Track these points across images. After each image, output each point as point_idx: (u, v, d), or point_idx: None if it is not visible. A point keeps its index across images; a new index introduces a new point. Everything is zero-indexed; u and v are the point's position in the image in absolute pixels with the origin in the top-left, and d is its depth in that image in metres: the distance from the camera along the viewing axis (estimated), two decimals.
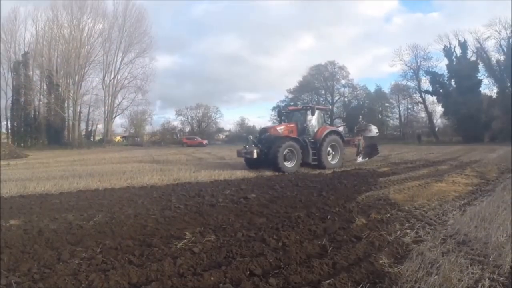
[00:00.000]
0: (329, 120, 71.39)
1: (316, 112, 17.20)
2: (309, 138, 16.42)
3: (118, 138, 70.81)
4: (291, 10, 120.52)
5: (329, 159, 16.62)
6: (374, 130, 19.39)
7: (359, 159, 18.56)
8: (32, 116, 55.07)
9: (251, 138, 16.65)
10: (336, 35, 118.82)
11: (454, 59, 57.78)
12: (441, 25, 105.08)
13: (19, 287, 3.63)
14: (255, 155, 15.24)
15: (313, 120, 17.15)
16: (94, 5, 56.14)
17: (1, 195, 9.34)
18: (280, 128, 16.34)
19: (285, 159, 14.97)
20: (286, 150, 15.05)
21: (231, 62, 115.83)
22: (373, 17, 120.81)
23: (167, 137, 71.75)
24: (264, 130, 17.33)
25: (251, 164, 16.08)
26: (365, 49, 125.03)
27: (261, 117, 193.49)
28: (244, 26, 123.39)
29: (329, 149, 16.66)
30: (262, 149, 15.49)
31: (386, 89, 72.71)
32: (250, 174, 14.14)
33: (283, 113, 19.63)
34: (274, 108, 73.28)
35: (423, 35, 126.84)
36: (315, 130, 16.94)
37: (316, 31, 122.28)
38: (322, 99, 74.30)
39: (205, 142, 60.47)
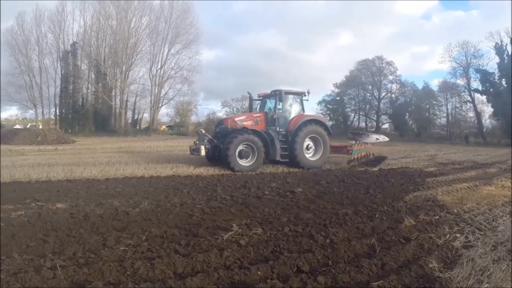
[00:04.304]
0: (375, 116, 70.08)
1: (287, 97, 14.49)
2: (280, 129, 13.94)
3: (163, 127, 71.99)
4: (329, 8, 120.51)
5: (309, 156, 14.14)
6: (373, 137, 16.59)
7: None
8: (80, 103, 57.35)
9: (203, 132, 14.35)
10: (375, 33, 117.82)
11: (506, 58, 54.33)
12: (479, 23, 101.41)
13: (63, 271, 3.64)
14: (202, 153, 13.25)
15: (287, 108, 14.45)
16: (140, 2, 57.58)
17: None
18: (240, 119, 13.93)
19: (241, 156, 12.81)
20: (243, 145, 12.80)
21: (270, 57, 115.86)
22: (412, 16, 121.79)
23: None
24: (220, 122, 15.19)
25: (211, 160, 14.10)
26: (404, 47, 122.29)
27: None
28: (283, 24, 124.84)
29: (309, 142, 14.16)
30: (217, 145, 13.46)
31: (434, 86, 70.27)
32: (296, 167, 13.72)
33: (255, 100, 16.05)
34: (320, 102, 73.71)
35: (464, 33, 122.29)
36: (290, 119, 14.27)
37: (355, 29, 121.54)
38: (368, 94, 73.00)
39: None
